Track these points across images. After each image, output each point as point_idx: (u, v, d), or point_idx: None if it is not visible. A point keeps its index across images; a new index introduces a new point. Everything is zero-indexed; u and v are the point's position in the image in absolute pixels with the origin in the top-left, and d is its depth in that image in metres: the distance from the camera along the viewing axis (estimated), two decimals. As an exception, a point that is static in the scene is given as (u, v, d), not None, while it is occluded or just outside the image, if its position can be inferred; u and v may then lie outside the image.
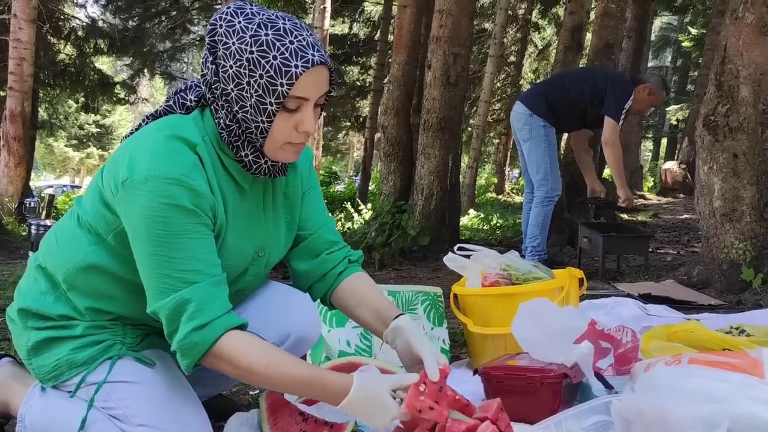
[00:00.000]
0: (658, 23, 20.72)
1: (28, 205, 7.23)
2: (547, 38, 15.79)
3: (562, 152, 5.21)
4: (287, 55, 1.10)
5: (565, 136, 4.71)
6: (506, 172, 15.96)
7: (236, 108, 1.15)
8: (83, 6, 12.11)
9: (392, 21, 10.20)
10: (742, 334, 1.68)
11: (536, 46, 15.77)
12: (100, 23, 11.82)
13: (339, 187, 14.63)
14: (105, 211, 1.18)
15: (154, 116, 1.27)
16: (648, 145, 24.92)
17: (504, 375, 1.50)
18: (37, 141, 12.79)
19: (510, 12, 12.51)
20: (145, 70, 13.21)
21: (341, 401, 1.11)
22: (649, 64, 18.29)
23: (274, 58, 1.10)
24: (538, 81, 14.56)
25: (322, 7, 9.19)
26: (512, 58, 14.74)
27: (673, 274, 3.39)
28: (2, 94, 8.46)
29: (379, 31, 12.47)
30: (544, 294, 1.81)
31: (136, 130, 1.26)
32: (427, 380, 1.15)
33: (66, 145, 29.03)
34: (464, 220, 7.91)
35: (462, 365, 2.03)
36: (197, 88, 1.25)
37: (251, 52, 1.10)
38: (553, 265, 2.90)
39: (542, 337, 1.57)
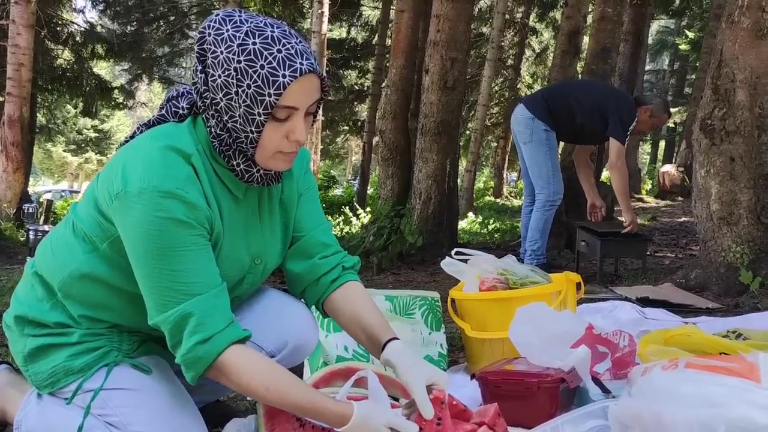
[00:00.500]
0: (655, 27, 20.77)
1: (26, 211, 7.20)
2: (545, 42, 15.81)
3: (560, 156, 5.21)
4: (275, 64, 1.08)
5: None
6: (504, 175, 15.98)
7: (226, 117, 1.14)
8: (81, 11, 12.12)
9: (390, 25, 10.22)
10: (739, 338, 1.68)
11: (534, 50, 15.80)
12: (99, 28, 11.83)
13: (337, 191, 14.64)
14: (100, 218, 1.18)
15: (148, 125, 1.26)
16: (646, 147, 24.96)
17: (501, 380, 1.50)
18: (35, 146, 12.78)
19: (507, 16, 12.56)
20: (144, 75, 13.23)
21: (341, 427, 1.11)
22: (647, 68, 18.33)
23: (262, 67, 1.08)
24: (535, 85, 14.61)
25: (320, 11, 9.20)
26: (510, 62, 14.77)
27: (670, 277, 3.39)
28: (1, 99, 8.45)
29: (377, 36, 12.48)
30: (541, 298, 1.81)
31: (131, 138, 1.25)
32: (423, 423, 1.13)
33: (64, 150, 29.01)
34: (463, 224, 7.91)
35: (460, 370, 2.03)
36: (189, 95, 1.24)
37: (239, 62, 1.09)
38: (552, 269, 2.91)
39: (539, 341, 1.58)
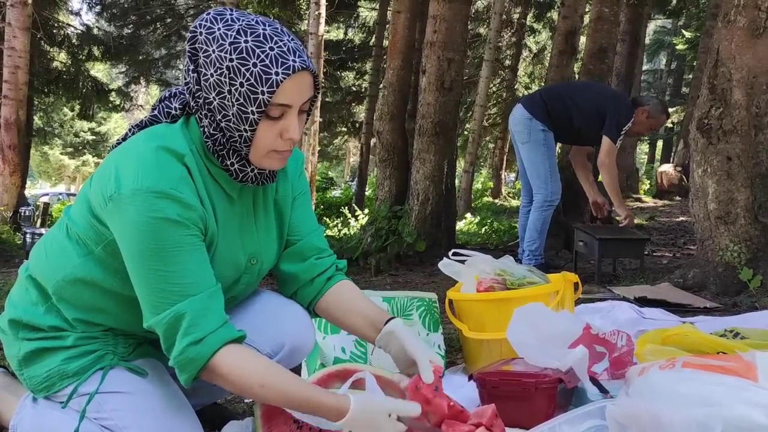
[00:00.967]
0: (652, 26, 20.79)
1: (23, 214, 7.22)
2: (542, 42, 15.83)
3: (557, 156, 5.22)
4: (267, 62, 1.08)
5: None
6: (503, 176, 15.98)
7: (219, 117, 1.14)
8: (78, 14, 12.11)
9: (387, 26, 10.22)
10: (737, 337, 1.68)
11: (531, 51, 15.82)
12: (95, 30, 11.83)
13: (335, 193, 14.64)
14: (94, 221, 1.17)
15: (140, 126, 1.26)
16: (644, 147, 24.99)
17: (499, 381, 1.50)
18: (32, 149, 12.76)
19: (505, 16, 12.56)
20: (141, 78, 13.22)
21: (337, 423, 1.11)
22: (644, 68, 18.36)
23: (254, 65, 1.08)
24: (533, 85, 14.64)
25: (317, 12, 9.19)
26: (507, 63, 14.78)
27: (668, 277, 3.39)
28: (-3, 102, 8.44)
29: (374, 37, 12.48)
30: (539, 299, 1.81)
31: (123, 140, 1.25)
32: (421, 383, 1.16)
33: (61, 153, 28.94)
34: (461, 225, 7.91)
35: (457, 371, 2.03)
36: (181, 96, 1.23)
37: (231, 60, 1.08)
38: (550, 269, 2.91)
39: (537, 341, 1.57)
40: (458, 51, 4.84)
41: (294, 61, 1.10)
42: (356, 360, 1.89)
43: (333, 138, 20.02)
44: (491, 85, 12.93)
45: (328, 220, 9.81)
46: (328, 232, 7.98)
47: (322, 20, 9.45)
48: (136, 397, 1.21)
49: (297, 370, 1.82)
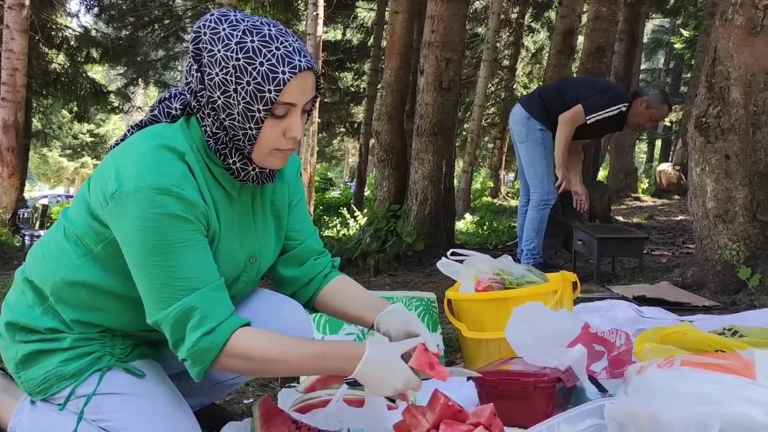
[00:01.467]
0: (650, 26, 20.80)
1: (21, 216, 7.22)
2: (540, 42, 15.84)
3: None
4: (274, 61, 1.09)
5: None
6: (501, 176, 15.99)
7: (223, 115, 1.14)
8: (76, 15, 12.12)
9: (385, 27, 10.22)
10: (735, 335, 1.68)
11: (529, 50, 15.82)
12: (93, 32, 11.82)
13: (334, 193, 14.65)
14: (93, 222, 1.17)
15: (140, 126, 1.26)
16: (642, 146, 25.00)
17: (498, 380, 1.49)
18: (31, 151, 12.77)
19: (503, 16, 12.57)
20: (139, 79, 13.21)
21: (356, 366, 1.13)
22: (642, 67, 18.37)
23: (261, 64, 1.09)
24: (531, 85, 14.64)
25: (315, 13, 9.19)
26: (506, 62, 14.78)
27: (667, 275, 3.39)
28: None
29: (372, 37, 12.49)
30: (537, 298, 1.81)
31: (122, 140, 1.25)
32: (422, 361, 1.18)
33: (60, 155, 28.91)
34: (460, 225, 7.92)
35: (457, 370, 2.03)
36: (182, 96, 1.24)
37: (237, 59, 1.09)
38: (548, 269, 2.91)
39: (536, 341, 1.57)
40: (456, 51, 4.84)
41: (300, 61, 1.11)
42: (355, 360, 1.89)
43: (332, 138, 20.03)
44: (489, 85, 12.93)
45: (327, 220, 9.82)
46: (327, 233, 7.99)
47: (320, 21, 9.45)
48: (134, 398, 1.21)
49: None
